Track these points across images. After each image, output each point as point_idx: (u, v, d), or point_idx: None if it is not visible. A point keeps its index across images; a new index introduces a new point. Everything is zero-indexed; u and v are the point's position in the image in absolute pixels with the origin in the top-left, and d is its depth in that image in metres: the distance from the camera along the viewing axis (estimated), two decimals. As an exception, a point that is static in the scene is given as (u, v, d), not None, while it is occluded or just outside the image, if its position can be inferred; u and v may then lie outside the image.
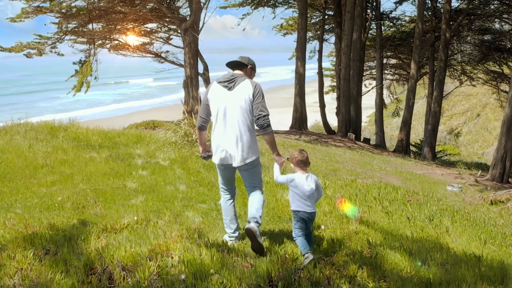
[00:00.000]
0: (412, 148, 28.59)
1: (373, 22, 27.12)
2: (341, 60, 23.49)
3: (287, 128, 23.75)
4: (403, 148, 25.02)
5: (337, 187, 8.75)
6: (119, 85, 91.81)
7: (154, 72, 22.49)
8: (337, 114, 26.79)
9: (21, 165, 7.61)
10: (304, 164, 4.82)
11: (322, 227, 6.01)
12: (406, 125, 25.01)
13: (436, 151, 26.05)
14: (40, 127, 10.12)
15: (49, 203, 6.00)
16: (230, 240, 5.07)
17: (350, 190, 8.63)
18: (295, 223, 4.81)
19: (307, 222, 4.83)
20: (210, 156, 5.05)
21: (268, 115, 4.73)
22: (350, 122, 23.30)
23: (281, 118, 50.06)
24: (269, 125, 4.73)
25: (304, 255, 4.61)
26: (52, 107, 59.64)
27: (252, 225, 4.66)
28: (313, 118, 35.93)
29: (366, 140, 25.35)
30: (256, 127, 4.88)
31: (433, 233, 6.86)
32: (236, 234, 5.11)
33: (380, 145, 27.51)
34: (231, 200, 5.15)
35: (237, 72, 4.90)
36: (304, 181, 4.75)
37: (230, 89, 4.73)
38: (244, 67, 4.95)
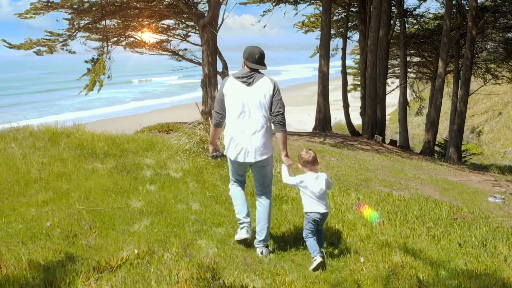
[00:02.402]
0: (435, 147, 27.55)
1: (397, 19, 26.24)
2: (367, 58, 22.35)
3: (307, 127, 22.84)
4: (430, 150, 23.97)
5: (373, 203, 7.69)
6: (143, 83, 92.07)
7: (179, 70, 21.65)
8: (361, 114, 25.79)
9: (10, 180, 6.61)
10: (311, 164, 4.84)
11: (362, 259, 4.98)
12: (433, 125, 24.04)
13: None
14: (40, 133, 9.11)
15: (35, 230, 5.02)
16: (243, 227, 5.08)
17: (388, 206, 7.54)
18: (306, 224, 4.87)
19: (318, 222, 4.88)
20: (219, 156, 5.11)
21: (284, 113, 4.81)
22: (376, 123, 22.13)
23: (302, 117, 49.18)
24: (285, 124, 4.80)
25: (313, 257, 4.75)
26: (72, 105, 59.80)
27: (265, 253, 4.93)
28: (333, 116, 35.27)
29: (393, 142, 24.20)
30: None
31: (489, 263, 5.78)
32: (248, 219, 5.11)
33: (406, 146, 26.48)
34: (241, 187, 5.20)
35: (253, 70, 4.82)
36: (314, 181, 4.79)
37: (249, 84, 4.72)
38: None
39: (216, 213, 6.18)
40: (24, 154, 7.70)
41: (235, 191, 5.18)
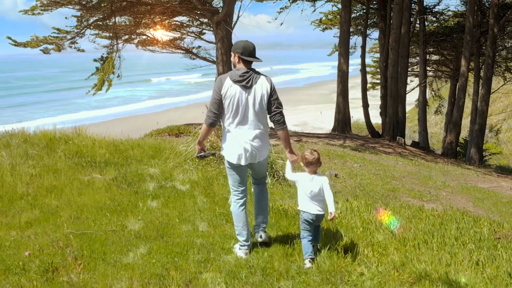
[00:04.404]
0: (455, 147, 26.82)
1: (417, 17, 25.57)
2: (388, 56, 21.42)
3: (324, 125, 22.01)
4: (453, 151, 23.03)
5: (404, 220, 6.81)
6: (161, 82, 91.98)
7: (193, 69, 20.95)
8: (381, 114, 24.90)
9: (-7, 196, 5.89)
10: (313, 165, 4.78)
11: (398, 297, 4.15)
12: (456, 126, 23.23)
13: (480, 151, 24.20)
14: (36, 138, 8.30)
15: (10, 261, 4.23)
16: (242, 249, 4.97)
17: (422, 224, 6.65)
18: (301, 223, 4.86)
19: (314, 222, 4.82)
20: (206, 156, 5.08)
21: (283, 110, 4.84)
22: (397, 124, 21.17)
23: (318, 115, 48.19)
24: (285, 121, 4.83)
25: (304, 259, 4.78)
26: (89, 103, 59.40)
27: (265, 238, 5.08)
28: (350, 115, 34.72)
29: (415, 144, 23.26)
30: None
31: (544, 296, 4.90)
32: (249, 242, 5.01)
33: (427, 148, 25.61)
34: (243, 206, 5.04)
35: (248, 67, 4.75)
36: (308, 182, 4.77)
37: (248, 88, 4.67)
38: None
39: (226, 235, 5.36)
40: (13, 164, 6.89)
41: (237, 211, 5.02)
